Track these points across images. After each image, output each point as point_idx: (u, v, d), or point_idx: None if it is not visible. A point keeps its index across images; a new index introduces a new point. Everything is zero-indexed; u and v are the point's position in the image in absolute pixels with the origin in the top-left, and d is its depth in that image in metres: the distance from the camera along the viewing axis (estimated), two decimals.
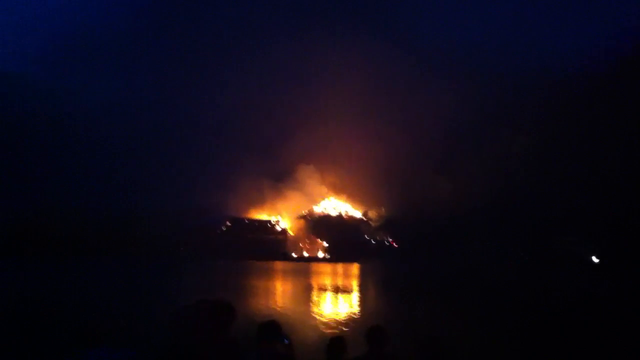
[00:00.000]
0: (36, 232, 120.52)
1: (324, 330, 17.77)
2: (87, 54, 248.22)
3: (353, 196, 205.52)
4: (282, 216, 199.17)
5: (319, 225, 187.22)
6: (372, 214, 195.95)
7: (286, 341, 4.94)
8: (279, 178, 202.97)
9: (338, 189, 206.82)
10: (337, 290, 39.21)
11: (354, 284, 49.82)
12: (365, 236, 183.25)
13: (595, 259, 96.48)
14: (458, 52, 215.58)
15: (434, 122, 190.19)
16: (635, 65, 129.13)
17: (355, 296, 35.61)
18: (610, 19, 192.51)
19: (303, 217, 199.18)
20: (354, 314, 24.15)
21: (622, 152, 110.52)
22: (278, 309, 25.00)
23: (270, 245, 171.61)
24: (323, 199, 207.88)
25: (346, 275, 68.32)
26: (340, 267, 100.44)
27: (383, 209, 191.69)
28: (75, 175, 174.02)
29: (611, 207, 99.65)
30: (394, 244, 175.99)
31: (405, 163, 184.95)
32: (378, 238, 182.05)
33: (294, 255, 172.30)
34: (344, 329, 18.21)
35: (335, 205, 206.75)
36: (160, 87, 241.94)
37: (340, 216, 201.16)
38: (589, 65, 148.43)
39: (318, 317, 22.19)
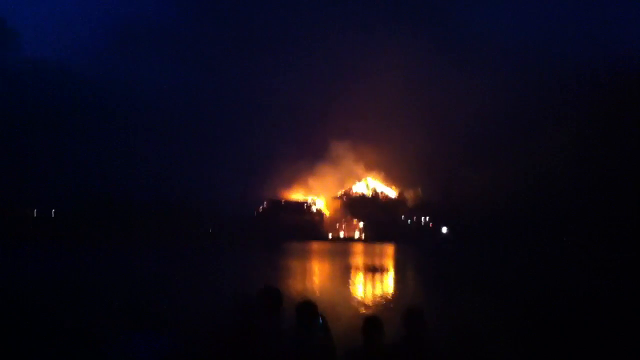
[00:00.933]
0: (81, 219, 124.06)
1: (360, 310, 17.82)
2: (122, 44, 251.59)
3: (389, 176, 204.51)
4: (318, 197, 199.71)
5: (355, 206, 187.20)
6: (408, 194, 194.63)
7: (321, 321, 4.89)
8: (315, 158, 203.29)
9: (374, 169, 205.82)
10: (373, 270, 39.20)
11: (389, 264, 49.74)
12: (402, 217, 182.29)
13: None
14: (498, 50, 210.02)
15: (476, 111, 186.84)
16: None
17: (390, 276, 35.56)
18: None
19: (339, 197, 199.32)
20: (388, 295, 24.13)
21: None
22: (315, 289, 25.17)
23: (306, 226, 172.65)
24: (359, 179, 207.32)
25: (382, 255, 68.26)
26: (376, 247, 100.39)
27: (420, 190, 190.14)
28: (113, 164, 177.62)
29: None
30: (430, 224, 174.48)
31: (445, 147, 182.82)
32: (414, 219, 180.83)
33: (330, 235, 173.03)
34: (378, 309, 18.20)
35: (371, 185, 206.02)
36: (193, 74, 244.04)
37: (376, 197, 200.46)
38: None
39: (354, 297, 22.26)
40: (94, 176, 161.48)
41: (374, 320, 5.08)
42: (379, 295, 23.70)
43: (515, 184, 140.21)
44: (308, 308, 4.98)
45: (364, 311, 17.71)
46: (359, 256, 64.38)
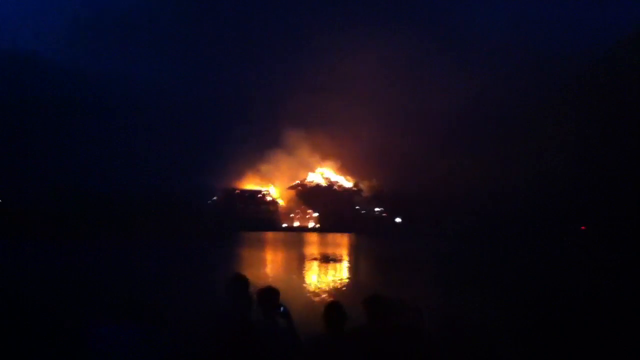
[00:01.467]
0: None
1: (318, 299, 17.86)
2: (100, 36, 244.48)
3: (345, 167, 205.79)
4: (273, 186, 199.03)
5: (310, 196, 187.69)
6: (363, 184, 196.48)
7: (282, 309, 4.87)
8: (270, 147, 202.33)
9: (330, 158, 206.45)
10: (327, 259, 39.38)
11: (344, 253, 50.12)
12: (357, 207, 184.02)
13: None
14: (477, 35, 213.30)
15: (434, 99, 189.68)
16: None
17: (344, 265, 35.83)
18: None
19: (293, 187, 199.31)
20: (344, 284, 24.30)
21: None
22: (270, 278, 25.08)
23: (261, 216, 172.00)
24: (314, 169, 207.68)
25: (336, 244, 68.73)
26: (331, 236, 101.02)
27: (374, 180, 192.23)
28: (65, 155, 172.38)
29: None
30: (384, 214, 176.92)
31: (400, 137, 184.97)
32: (369, 209, 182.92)
33: (284, 225, 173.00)
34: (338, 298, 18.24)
35: (326, 175, 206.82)
36: (151, 64, 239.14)
37: (331, 186, 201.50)
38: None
39: (310, 286, 22.31)
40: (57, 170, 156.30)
41: (335, 305, 5.03)
42: (334, 282, 23.83)
43: (474, 172, 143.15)
44: (269, 294, 4.94)
45: (320, 298, 17.78)
46: (312, 246, 64.63)
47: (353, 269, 33.60)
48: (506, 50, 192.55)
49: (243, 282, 5.04)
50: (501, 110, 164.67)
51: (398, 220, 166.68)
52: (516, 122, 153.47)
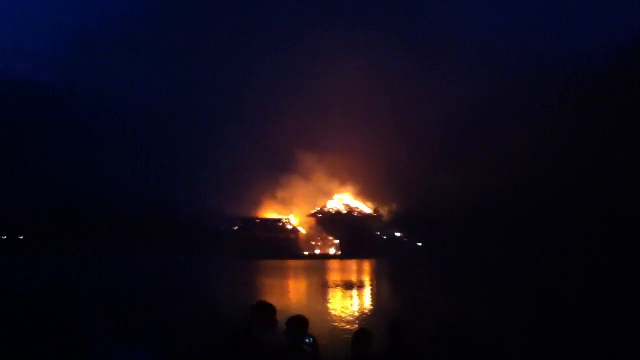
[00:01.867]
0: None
1: (344, 327, 18.06)
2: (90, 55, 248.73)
3: (363, 192, 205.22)
4: (293, 215, 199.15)
5: (330, 223, 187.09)
6: (383, 210, 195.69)
7: (310, 339, 4.97)
8: (289, 176, 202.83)
9: (348, 183, 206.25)
10: (350, 286, 39.42)
11: (366, 280, 50.01)
12: (377, 233, 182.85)
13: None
14: (467, 49, 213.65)
15: (443, 118, 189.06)
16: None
17: (368, 292, 35.86)
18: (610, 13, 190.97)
19: (314, 215, 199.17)
20: (369, 309, 24.41)
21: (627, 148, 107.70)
22: (295, 306, 25.30)
23: (282, 244, 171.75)
24: (333, 196, 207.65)
25: (359, 271, 68.52)
26: (352, 263, 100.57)
27: (394, 205, 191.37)
28: (82, 175, 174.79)
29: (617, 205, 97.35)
30: (405, 239, 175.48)
31: (414, 158, 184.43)
32: (389, 234, 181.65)
33: (306, 253, 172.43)
34: (362, 324, 18.47)
35: (346, 202, 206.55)
36: (155, 86, 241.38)
37: (351, 213, 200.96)
38: (591, 60, 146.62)
39: (334, 314, 22.47)
40: (64, 186, 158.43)
41: (363, 333, 5.34)
42: (360, 310, 23.97)
43: (492, 189, 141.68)
44: (299, 323, 5.23)
45: (349, 327, 17.98)
46: (334, 273, 64.51)
47: (374, 295, 33.63)
48: (511, 56, 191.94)
49: (268, 308, 5.19)
50: (516, 122, 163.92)
51: (419, 244, 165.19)
52: (530, 134, 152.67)
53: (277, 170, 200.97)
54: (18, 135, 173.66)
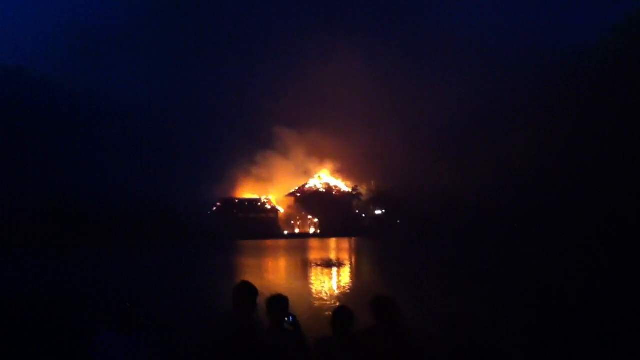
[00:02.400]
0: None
1: (324, 304, 18.05)
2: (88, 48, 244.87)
3: (342, 170, 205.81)
4: (271, 194, 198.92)
5: (309, 202, 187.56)
6: (362, 188, 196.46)
7: (291, 318, 4.93)
8: (265, 152, 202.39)
9: (327, 161, 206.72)
10: (330, 264, 39.54)
11: (345, 258, 50.25)
12: (357, 211, 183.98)
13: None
14: (459, 36, 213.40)
15: (433, 99, 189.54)
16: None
17: (347, 269, 36.01)
18: None
19: (292, 194, 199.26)
20: (348, 287, 24.48)
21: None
22: (275, 285, 25.25)
23: (261, 224, 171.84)
24: (313, 174, 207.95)
25: (338, 249, 68.85)
26: (332, 242, 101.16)
27: (373, 183, 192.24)
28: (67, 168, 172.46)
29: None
30: (384, 217, 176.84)
31: (396, 137, 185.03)
32: (368, 212, 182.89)
33: (285, 232, 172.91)
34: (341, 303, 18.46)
35: (324, 180, 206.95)
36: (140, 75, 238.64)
37: (329, 191, 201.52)
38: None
39: (314, 292, 22.47)
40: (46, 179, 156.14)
41: (343, 310, 5.19)
42: (337, 287, 24.02)
43: (474, 175, 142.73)
44: (279, 302, 5.09)
45: (324, 303, 17.97)
46: (314, 251, 64.74)
47: (354, 272, 33.77)
48: (497, 49, 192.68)
49: (249, 289, 5.14)
50: (495, 107, 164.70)
51: (398, 221, 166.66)
52: (510, 119, 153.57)
53: (254, 148, 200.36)
54: (14, 130, 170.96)
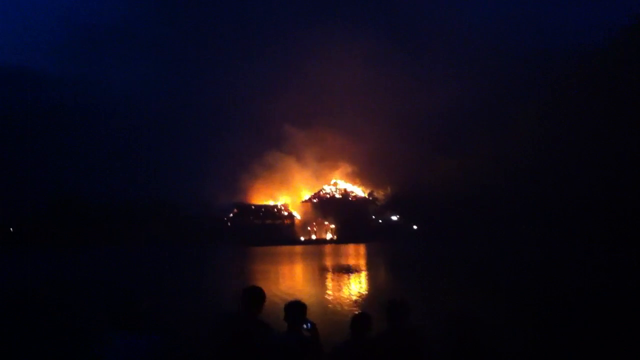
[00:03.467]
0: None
1: (342, 310, 18.16)
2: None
3: (358, 175, 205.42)
4: (288, 200, 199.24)
5: (326, 208, 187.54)
6: (378, 193, 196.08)
7: (309, 325, 4.99)
8: (283, 157, 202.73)
9: (343, 168, 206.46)
10: (347, 270, 39.61)
11: (363, 264, 50.24)
12: (373, 217, 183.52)
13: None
14: (466, 33, 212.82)
15: (441, 100, 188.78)
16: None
17: (364, 276, 36.04)
18: None
19: (309, 200, 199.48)
20: (366, 293, 24.55)
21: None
22: (293, 292, 25.41)
23: (278, 230, 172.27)
24: (328, 180, 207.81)
25: (355, 255, 68.77)
26: (349, 248, 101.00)
27: (389, 188, 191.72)
28: (83, 167, 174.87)
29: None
30: (400, 222, 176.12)
31: (410, 142, 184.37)
32: (385, 218, 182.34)
33: (302, 238, 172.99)
34: (358, 309, 18.56)
35: (340, 186, 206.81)
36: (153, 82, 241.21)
37: (346, 197, 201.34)
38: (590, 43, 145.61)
39: (332, 298, 22.57)
40: (61, 179, 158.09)
41: (361, 316, 5.35)
42: (358, 294, 24.09)
43: (487, 176, 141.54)
44: (297, 308, 5.20)
45: (341, 309, 18.08)
46: (330, 257, 64.78)
47: (371, 278, 33.80)
48: (503, 47, 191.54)
49: (257, 292, 5.30)
50: (505, 108, 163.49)
51: (415, 227, 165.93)
52: (518, 119, 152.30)
53: (270, 153, 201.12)
54: (16, 129, 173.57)
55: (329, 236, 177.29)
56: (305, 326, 4.98)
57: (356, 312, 5.53)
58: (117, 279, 31.13)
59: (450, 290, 24.18)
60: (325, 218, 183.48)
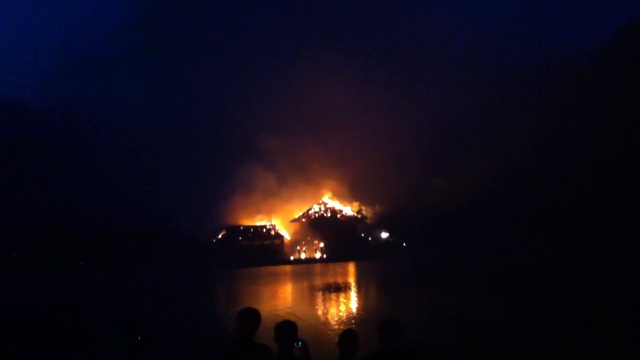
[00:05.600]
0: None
1: (332, 328, 18.04)
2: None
3: (346, 194, 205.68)
4: (277, 220, 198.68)
5: (314, 227, 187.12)
6: (366, 211, 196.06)
7: (300, 343, 4.94)
8: (272, 181, 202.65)
9: (331, 187, 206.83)
10: (337, 289, 39.42)
11: (352, 282, 50.07)
12: (362, 235, 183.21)
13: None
14: (454, 47, 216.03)
15: (428, 116, 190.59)
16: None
17: (353, 294, 35.91)
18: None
19: (297, 219, 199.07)
20: (355, 311, 24.43)
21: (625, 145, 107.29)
22: (283, 311, 25.23)
23: (267, 250, 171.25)
24: (317, 199, 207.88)
25: (344, 273, 68.52)
26: (338, 266, 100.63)
27: (377, 206, 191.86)
28: (70, 193, 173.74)
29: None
30: (389, 240, 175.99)
31: (398, 159, 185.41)
32: (374, 235, 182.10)
33: (291, 258, 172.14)
34: (351, 326, 18.45)
35: (329, 205, 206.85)
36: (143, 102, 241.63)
37: (334, 216, 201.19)
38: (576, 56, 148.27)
39: (322, 317, 22.45)
40: (47, 208, 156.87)
41: (349, 333, 5.30)
42: (343, 311, 23.97)
43: (472, 187, 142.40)
44: (287, 328, 5.14)
45: (331, 327, 17.97)
46: (319, 276, 64.48)
47: (358, 296, 33.66)
48: (501, 53, 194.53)
49: (253, 315, 5.15)
50: (498, 119, 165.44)
51: (404, 244, 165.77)
52: (509, 131, 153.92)
53: (259, 175, 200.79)
54: (11, 157, 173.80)
55: (318, 255, 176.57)
56: (296, 344, 4.93)
57: (343, 329, 5.47)
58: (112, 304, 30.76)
59: (451, 299, 24.15)
60: (315, 237, 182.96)
